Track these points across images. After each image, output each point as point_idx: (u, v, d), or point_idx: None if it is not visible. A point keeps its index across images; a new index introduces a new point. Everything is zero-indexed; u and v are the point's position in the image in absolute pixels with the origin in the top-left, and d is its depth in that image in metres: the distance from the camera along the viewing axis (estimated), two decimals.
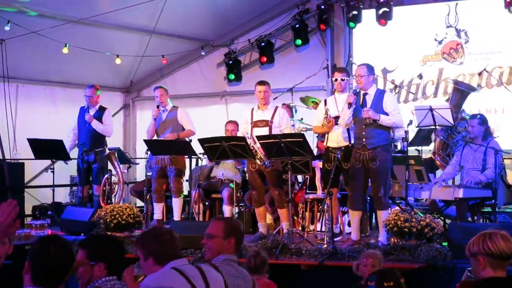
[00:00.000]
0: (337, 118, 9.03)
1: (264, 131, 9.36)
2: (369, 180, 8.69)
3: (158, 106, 10.70)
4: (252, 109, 9.65)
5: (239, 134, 9.75)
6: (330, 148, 9.10)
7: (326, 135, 9.24)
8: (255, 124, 9.49)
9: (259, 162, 9.21)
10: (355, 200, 8.76)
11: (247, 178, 9.89)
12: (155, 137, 10.71)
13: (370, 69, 8.84)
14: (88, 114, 11.18)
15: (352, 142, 8.87)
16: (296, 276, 8.12)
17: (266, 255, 6.67)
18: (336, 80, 9.16)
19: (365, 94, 8.66)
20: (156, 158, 10.55)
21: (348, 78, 9.25)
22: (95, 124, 11.18)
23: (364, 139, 8.55)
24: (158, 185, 10.68)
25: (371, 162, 8.49)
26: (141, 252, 4.25)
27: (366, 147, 8.52)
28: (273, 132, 9.29)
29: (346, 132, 8.96)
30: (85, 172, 11.38)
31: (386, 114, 8.53)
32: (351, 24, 13.23)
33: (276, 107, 9.68)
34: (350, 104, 8.55)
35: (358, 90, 8.68)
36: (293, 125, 10.70)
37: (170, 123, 10.67)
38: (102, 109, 11.40)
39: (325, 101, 9.46)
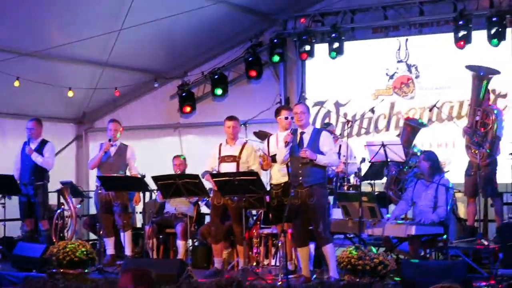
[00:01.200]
0: (274, 156, 9.14)
1: (231, 166, 9.43)
2: None
3: (110, 140, 10.67)
4: (220, 144, 9.73)
5: (207, 167, 9.76)
6: (272, 185, 9.22)
7: (269, 172, 9.34)
8: (222, 159, 9.55)
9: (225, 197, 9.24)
10: (298, 236, 8.86)
11: (210, 212, 9.90)
12: (96, 170, 10.65)
13: (308, 108, 9.05)
14: (28, 147, 11.07)
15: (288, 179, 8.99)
16: None
17: None
18: (286, 118, 9.25)
19: (302, 133, 8.79)
20: (99, 195, 10.50)
21: (290, 117, 9.32)
22: (34, 156, 11.05)
23: (300, 178, 8.64)
24: (105, 220, 10.65)
25: (309, 199, 8.59)
26: None
27: (303, 185, 8.61)
28: (241, 168, 9.38)
29: (286, 169, 9.06)
30: (26, 206, 11.21)
31: (322, 153, 8.64)
32: (302, 56, 13.39)
33: (244, 143, 9.75)
34: (287, 143, 8.68)
35: (295, 129, 8.81)
36: None
37: (117, 159, 10.66)
38: (44, 142, 11.29)
39: (268, 139, 9.58)
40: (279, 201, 9.08)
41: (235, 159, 9.51)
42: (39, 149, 11.15)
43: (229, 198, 9.25)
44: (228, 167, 9.40)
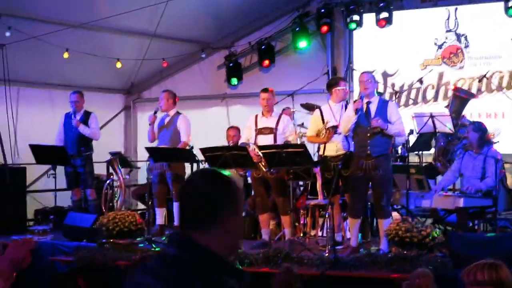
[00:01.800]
0: (335, 127, 9.09)
1: (269, 138, 9.43)
2: (369, 187, 8.74)
3: (155, 112, 10.72)
4: (256, 115, 9.70)
5: (243, 139, 9.79)
6: (329, 157, 9.17)
7: (324, 144, 9.29)
8: (259, 132, 9.55)
9: (264, 169, 9.26)
10: (355, 208, 8.82)
11: (252, 185, 9.94)
12: (156, 142, 10.74)
13: (374, 78, 8.92)
14: (75, 119, 11.22)
15: (352, 150, 8.92)
16: None
17: (297, 270, 6.69)
18: (343, 89, 9.22)
19: (368, 103, 8.71)
20: (155, 164, 10.59)
21: (345, 88, 9.29)
22: (82, 128, 11.21)
23: (368, 147, 8.57)
24: (158, 190, 10.72)
25: (374, 170, 8.53)
26: None
27: (371, 156, 8.55)
28: (278, 139, 9.36)
29: (345, 141, 9.01)
30: (72, 176, 11.38)
31: (390, 123, 8.58)
32: (351, 25, 13.24)
33: (281, 114, 9.75)
34: (357, 110, 8.59)
35: (364, 97, 8.72)
36: None
37: (170, 127, 10.69)
38: (87, 114, 11.44)
39: (321, 110, 9.48)
40: (337, 173, 8.86)
41: (272, 131, 9.50)
42: (84, 121, 11.32)
43: (267, 171, 9.24)
44: (265, 139, 9.40)
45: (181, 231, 2.78)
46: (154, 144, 10.83)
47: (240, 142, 9.91)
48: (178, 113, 10.83)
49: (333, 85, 9.47)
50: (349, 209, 8.96)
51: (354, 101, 8.87)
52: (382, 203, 8.56)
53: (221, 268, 2.71)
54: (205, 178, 2.85)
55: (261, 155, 9.11)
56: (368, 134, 8.57)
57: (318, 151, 10.94)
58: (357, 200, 8.77)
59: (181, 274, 2.66)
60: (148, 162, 10.84)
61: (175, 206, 10.67)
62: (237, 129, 11.05)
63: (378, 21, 12.99)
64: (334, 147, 9.15)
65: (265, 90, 9.65)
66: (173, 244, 2.79)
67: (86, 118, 11.39)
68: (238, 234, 2.85)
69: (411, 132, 10.12)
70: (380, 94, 11.21)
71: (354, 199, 8.81)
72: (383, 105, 8.73)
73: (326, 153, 9.22)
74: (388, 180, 8.63)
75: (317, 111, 9.65)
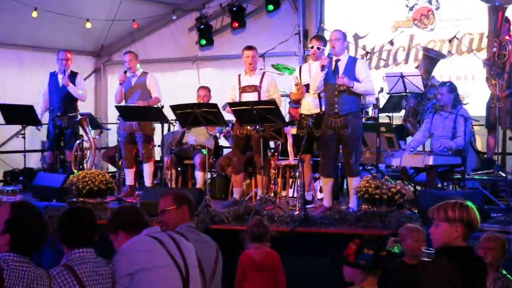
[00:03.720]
0: (307, 85, 9.07)
1: (253, 96, 9.41)
2: (340, 147, 8.75)
3: (125, 72, 10.65)
4: (239, 75, 9.68)
5: (227, 99, 9.74)
6: (303, 115, 9.15)
7: (301, 102, 9.30)
8: (243, 90, 9.53)
9: (249, 127, 9.23)
10: (327, 167, 8.81)
11: (232, 143, 9.91)
12: (123, 102, 10.69)
13: (344, 35, 8.88)
14: (65, 78, 11.14)
15: (323, 109, 8.92)
16: None
17: (268, 223, 6.71)
18: (312, 47, 9.17)
19: (337, 61, 8.69)
20: (124, 125, 10.54)
21: (324, 48, 9.24)
22: (72, 88, 11.15)
23: (336, 106, 8.57)
24: (127, 151, 10.68)
25: (343, 129, 8.52)
26: (111, 230, 4.39)
27: (338, 114, 8.54)
28: (262, 97, 9.35)
29: (318, 100, 9.00)
30: (56, 138, 11.35)
31: (358, 81, 8.57)
32: None
33: (264, 73, 9.73)
34: (323, 67, 8.57)
35: (331, 55, 8.70)
36: None
37: (138, 88, 10.62)
38: (73, 74, 11.38)
39: (300, 68, 9.48)
40: (309, 132, 8.85)
41: (256, 88, 9.49)
42: (70, 81, 11.22)
43: (254, 128, 9.23)
44: (250, 97, 9.36)
45: None
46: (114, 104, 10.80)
47: (224, 102, 9.86)
48: (145, 73, 10.78)
49: (308, 42, 9.46)
50: (321, 168, 8.95)
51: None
52: (351, 161, 8.57)
53: None
54: None
55: None
56: (336, 92, 8.57)
57: (289, 112, 10.98)
58: (328, 159, 8.76)
59: None
60: (118, 125, 10.79)
61: (145, 167, 10.67)
62: (207, 89, 11.00)
63: None
64: (307, 106, 9.15)
65: (249, 48, 9.61)
66: None
67: (72, 78, 11.31)
68: None
69: (381, 90, 10.15)
70: None
71: (325, 159, 8.79)
72: (352, 63, 8.70)
73: (301, 111, 9.23)
74: (356, 138, 8.62)
75: (297, 68, 9.65)
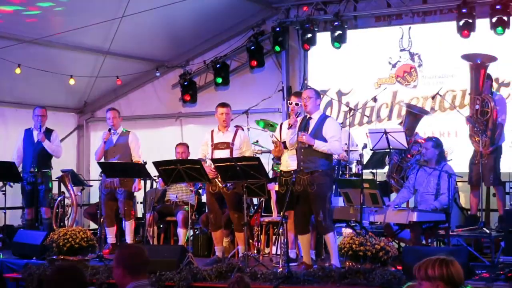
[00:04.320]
0: (284, 142, 9.09)
1: (225, 153, 9.38)
2: None
3: (110, 129, 10.65)
4: (212, 131, 9.67)
5: (199, 155, 9.71)
6: (282, 172, 9.15)
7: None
8: (216, 147, 9.50)
9: (220, 185, 9.20)
10: (299, 224, 8.82)
11: (206, 201, 9.85)
12: (102, 160, 10.65)
13: (317, 93, 8.96)
14: (40, 133, 11.09)
15: None
16: None
17: (249, 280, 6.60)
18: (291, 103, 9.19)
19: (309, 119, 8.75)
20: (105, 182, 10.49)
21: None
22: (47, 144, 11.10)
23: (302, 163, 8.61)
24: (108, 209, 10.64)
25: (309, 186, 8.55)
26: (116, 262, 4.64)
27: (304, 171, 8.57)
28: (234, 154, 9.32)
29: (295, 156, 9.00)
30: (30, 194, 11.22)
31: (326, 139, 8.59)
32: (306, 45, 13.27)
33: (237, 130, 9.72)
34: (290, 126, 8.66)
35: (300, 114, 8.80)
36: None
37: (120, 147, 10.63)
38: (49, 131, 11.34)
39: (281, 125, 9.49)
40: (288, 188, 8.80)
41: (228, 145, 9.46)
42: (46, 138, 11.17)
43: (224, 186, 9.20)
44: (222, 154, 9.33)
45: None
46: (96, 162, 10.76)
47: (197, 157, 9.82)
48: (127, 131, 10.77)
49: (287, 99, 9.49)
50: (295, 226, 8.94)
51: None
52: (319, 219, 8.55)
53: None
54: None
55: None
56: (302, 150, 8.62)
57: (272, 168, 10.95)
58: (300, 216, 8.78)
59: None
60: (100, 181, 10.71)
61: (126, 224, 10.59)
62: (186, 146, 11.02)
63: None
64: (285, 162, 9.14)
65: (223, 105, 9.62)
66: None
67: (47, 134, 11.27)
68: None
69: (365, 146, 10.14)
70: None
71: (296, 216, 8.83)
72: (322, 121, 8.74)
73: (281, 168, 9.21)
74: (323, 196, 8.58)
75: (279, 125, 9.66)
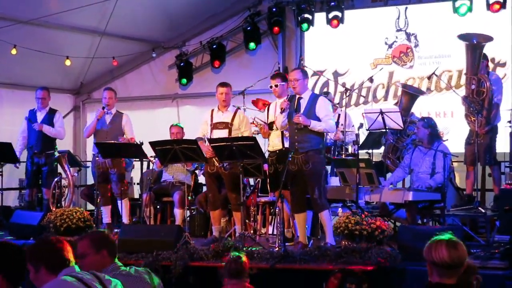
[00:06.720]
0: (271, 123, 9.10)
1: (223, 133, 9.39)
2: None
3: (103, 107, 10.64)
4: (212, 110, 9.67)
5: (198, 134, 9.71)
6: (269, 152, 9.18)
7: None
8: (214, 126, 9.51)
9: (217, 164, 9.22)
10: (295, 203, 8.86)
11: (205, 180, 9.87)
12: (91, 137, 10.70)
13: (304, 73, 8.96)
14: (36, 124, 11.11)
15: (286, 145, 8.94)
16: None
17: (246, 259, 6.62)
18: (271, 87, 9.19)
19: (299, 99, 8.76)
20: (97, 163, 10.50)
21: (283, 83, 9.20)
22: (46, 129, 11.13)
23: (296, 143, 8.64)
24: (102, 188, 10.62)
25: (304, 165, 8.58)
26: (31, 264, 4.05)
27: (299, 151, 8.60)
28: (233, 135, 9.32)
29: (281, 137, 9.04)
30: (34, 175, 11.28)
31: (319, 118, 8.60)
32: (304, 26, 13.27)
33: (236, 110, 9.70)
34: (283, 109, 8.69)
35: (293, 95, 8.81)
36: None
37: (113, 127, 10.64)
38: (52, 111, 11.35)
39: (268, 106, 9.51)
40: (274, 168, 9.03)
41: (227, 125, 9.47)
42: (49, 119, 11.24)
43: (221, 166, 9.22)
44: (220, 134, 9.35)
45: None
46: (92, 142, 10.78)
47: (195, 137, 9.83)
48: (120, 112, 10.77)
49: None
50: (291, 205, 8.99)
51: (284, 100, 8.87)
52: (315, 196, 8.59)
53: None
54: None
55: None
56: (296, 130, 8.64)
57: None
58: (296, 195, 8.81)
59: None
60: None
61: (122, 204, 10.59)
62: (180, 127, 11.00)
63: (330, 21, 13.02)
64: (271, 143, 9.22)
65: (223, 84, 9.62)
66: None
67: (51, 115, 11.27)
68: None
69: (361, 126, 10.13)
70: (326, 93, 11.22)
71: (292, 195, 8.86)
72: (313, 100, 8.75)
73: (268, 148, 9.30)
74: (318, 174, 8.63)
75: (266, 107, 9.66)
